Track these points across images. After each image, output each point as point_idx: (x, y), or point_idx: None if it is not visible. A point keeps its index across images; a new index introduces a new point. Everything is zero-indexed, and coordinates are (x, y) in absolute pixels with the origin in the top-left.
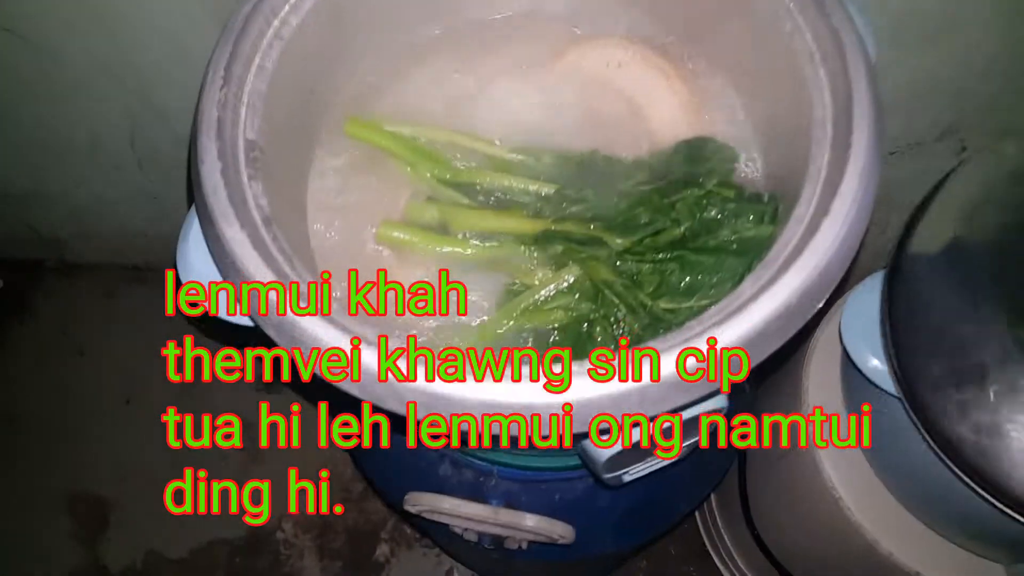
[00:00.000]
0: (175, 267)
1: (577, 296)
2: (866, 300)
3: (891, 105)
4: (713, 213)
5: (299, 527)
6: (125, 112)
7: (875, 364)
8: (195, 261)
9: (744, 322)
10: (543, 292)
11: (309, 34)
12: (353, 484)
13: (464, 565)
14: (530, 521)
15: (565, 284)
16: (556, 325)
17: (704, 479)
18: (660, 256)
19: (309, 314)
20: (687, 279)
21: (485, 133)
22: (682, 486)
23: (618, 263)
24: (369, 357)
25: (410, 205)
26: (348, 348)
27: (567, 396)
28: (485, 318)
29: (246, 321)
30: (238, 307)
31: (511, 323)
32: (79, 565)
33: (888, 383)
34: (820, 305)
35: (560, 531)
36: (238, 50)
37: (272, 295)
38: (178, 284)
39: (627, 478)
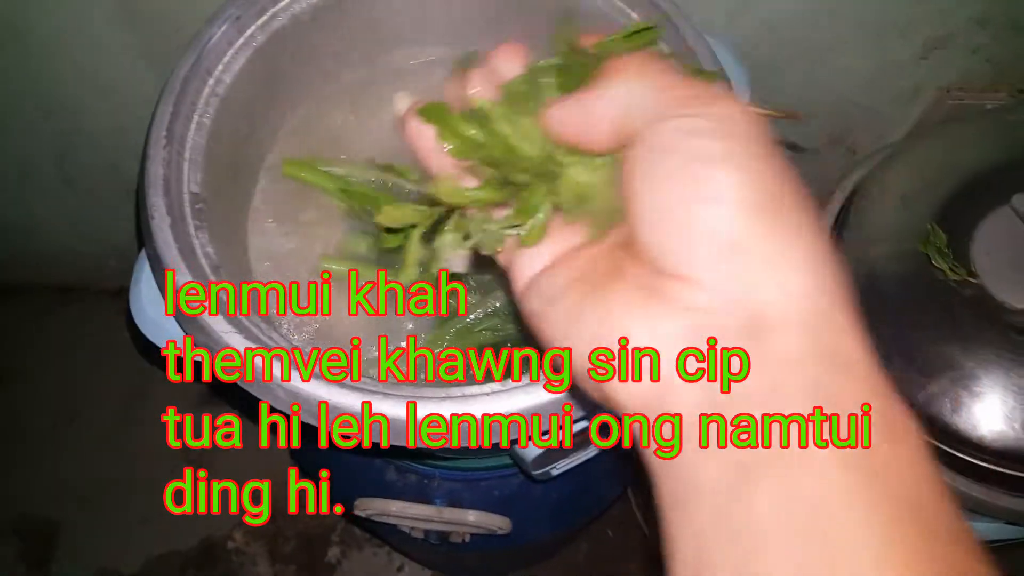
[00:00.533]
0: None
1: (503, 319)
2: None
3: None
4: None
5: (250, 535)
6: (53, 135)
7: None
8: (148, 306)
9: None
10: (473, 316)
11: (242, 88)
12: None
13: (414, 561)
14: (471, 517)
15: (492, 308)
16: (484, 345)
17: (629, 464)
18: None
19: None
20: None
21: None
22: (609, 472)
23: None
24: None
25: (346, 238)
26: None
27: (482, 408)
28: (420, 342)
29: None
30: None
31: (444, 345)
32: None
33: None
34: None
35: (498, 523)
36: (178, 110)
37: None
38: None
39: (555, 472)
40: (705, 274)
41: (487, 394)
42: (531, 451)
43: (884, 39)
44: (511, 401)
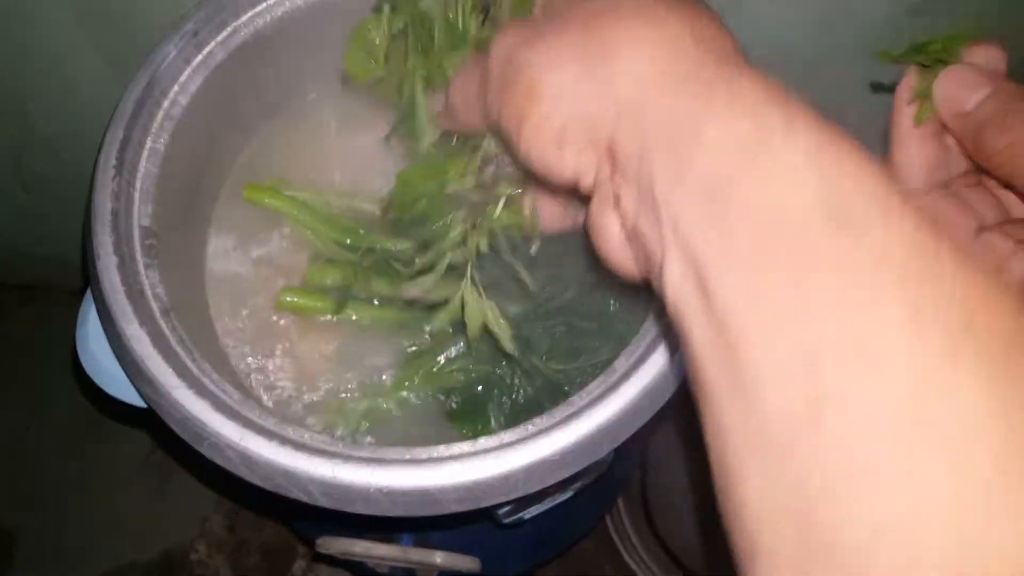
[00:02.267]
0: (75, 346)
1: (475, 359)
2: None
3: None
4: (595, 278)
5: (213, 547)
6: (7, 139)
7: None
8: (95, 347)
9: (617, 401)
10: (443, 355)
11: (200, 109)
12: None
13: None
14: (439, 559)
15: (463, 348)
16: (454, 385)
17: (602, 498)
18: (550, 321)
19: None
20: (574, 342)
21: (380, 194)
22: (581, 508)
23: (512, 329)
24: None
25: (311, 269)
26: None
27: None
28: (386, 382)
29: (144, 405)
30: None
31: (412, 385)
32: None
33: None
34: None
35: (467, 564)
36: (129, 136)
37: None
38: (76, 364)
39: (527, 517)
40: None
41: (454, 457)
42: (501, 508)
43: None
44: (480, 467)
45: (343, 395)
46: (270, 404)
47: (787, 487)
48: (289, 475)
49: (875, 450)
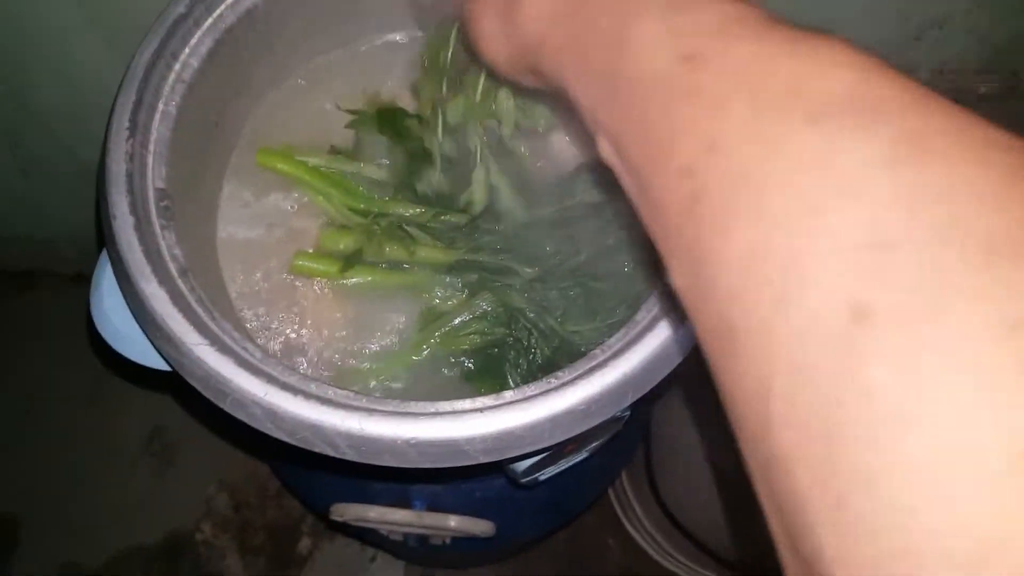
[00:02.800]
0: (90, 311)
1: (491, 322)
2: None
3: None
4: (610, 241)
5: (218, 527)
6: (4, 120)
7: None
8: (110, 311)
9: (641, 351)
10: (458, 318)
11: (210, 73)
12: (270, 481)
13: (388, 553)
14: (453, 522)
15: (479, 311)
16: (470, 347)
17: (613, 463)
18: (564, 284)
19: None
20: (589, 303)
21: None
22: (593, 471)
23: (528, 291)
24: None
25: (324, 234)
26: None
27: (484, 431)
28: (404, 343)
29: (165, 367)
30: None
31: (428, 349)
32: None
33: None
34: None
35: (481, 528)
36: (142, 98)
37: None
38: (91, 328)
39: (542, 478)
40: None
41: (479, 410)
42: (521, 463)
43: (878, 18)
44: (506, 418)
45: (358, 359)
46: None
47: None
48: (315, 428)
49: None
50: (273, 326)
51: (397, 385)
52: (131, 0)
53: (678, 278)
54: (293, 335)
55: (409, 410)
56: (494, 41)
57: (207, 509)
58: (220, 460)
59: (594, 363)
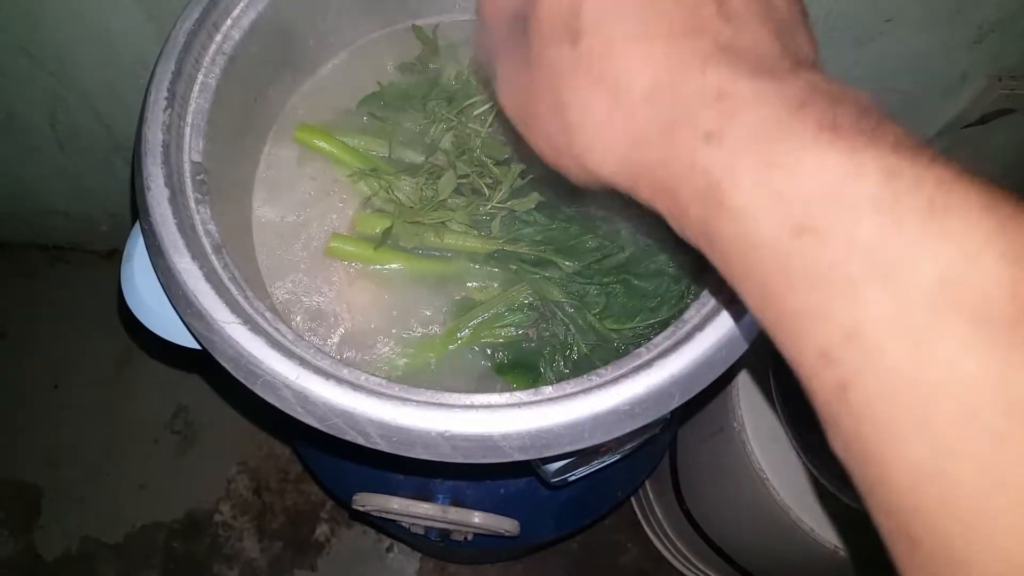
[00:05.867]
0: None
1: (527, 315)
2: None
3: None
4: (655, 240)
5: (237, 509)
6: (45, 93)
7: None
8: (140, 285)
9: (691, 351)
10: (493, 309)
11: (252, 46)
12: (291, 465)
13: (406, 545)
14: (477, 518)
15: (515, 303)
16: (504, 340)
17: (641, 467)
18: (606, 279)
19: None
20: (630, 301)
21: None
22: (620, 475)
23: (567, 285)
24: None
25: (361, 217)
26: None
27: (522, 427)
28: (436, 333)
29: (194, 345)
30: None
31: (461, 339)
32: (12, 555)
33: None
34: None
35: (506, 526)
36: (181, 68)
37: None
38: (122, 301)
39: (572, 479)
40: None
41: (517, 404)
42: (553, 463)
43: (935, 20)
44: (545, 414)
45: (390, 345)
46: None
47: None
48: (347, 416)
49: None
50: (305, 307)
51: (428, 374)
52: None
53: (836, 444)
54: (325, 317)
55: (444, 401)
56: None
57: (227, 490)
58: (242, 442)
59: (639, 361)
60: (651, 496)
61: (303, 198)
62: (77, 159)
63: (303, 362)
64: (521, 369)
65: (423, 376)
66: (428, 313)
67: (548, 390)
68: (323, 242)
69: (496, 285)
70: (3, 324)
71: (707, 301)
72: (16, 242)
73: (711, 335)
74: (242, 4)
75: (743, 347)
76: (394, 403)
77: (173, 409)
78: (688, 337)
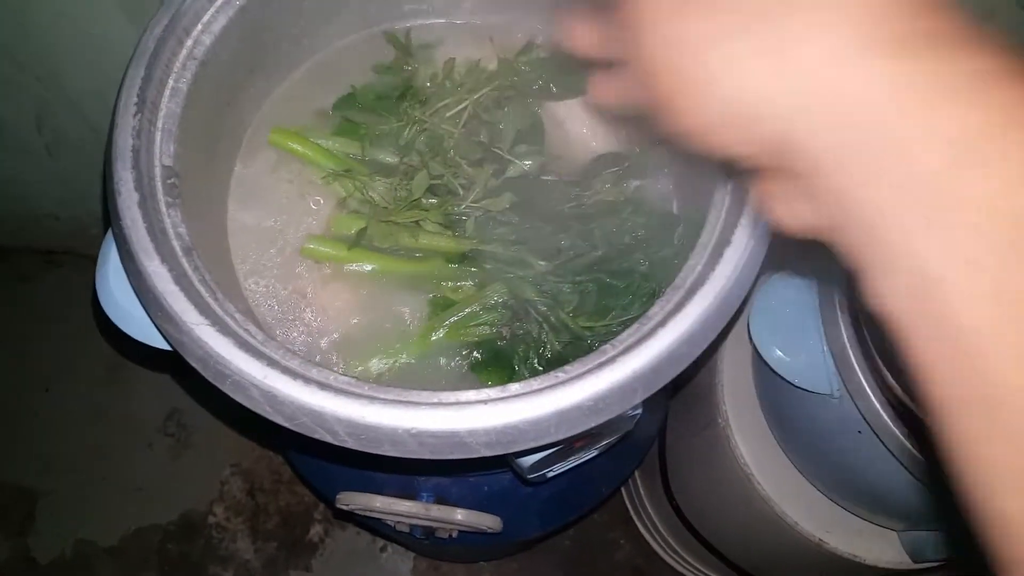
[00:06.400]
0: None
1: (501, 313)
2: (771, 297)
3: None
4: (626, 239)
5: (231, 511)
6: (31, 98)
7: (779, 355)
8: (115, 289)
9: (653, 347)
10: (468, 309)
11: (224, 50)
12: (284, 467)
13: (399, 545)
14: (460, 515)
15: (490, 302)
16: (479, 339)
17: (625, 463)
18: (579, 278)
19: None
20: (603, 299)
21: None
22: (603, 471)
23: (541, 284)
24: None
25: (336, 218)
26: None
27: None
28: (412, 332)
29: (167, 347)
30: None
31: (436, 338)
32: (6, 558)
33: (792, 374)
34: (720, 330)
35: (488, 523)
36: (151, 73)
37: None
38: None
39: (550, 475)
40: None
41: (483, 401)
42: (527, 459)
43: None
44: (510, 411)
45: (365, 345)
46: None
47: None
48: (315, 415)
49: None
50: (281, 308)
51: (403, 373)
52: None
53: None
54: (301, 318)
55: (411, 399)
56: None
57: (221, 492)
58: (235, 444)
59: (604, 358)
60: (642, 492)
61: (279, 201)
62: (66, 163)
63: (271, 362)
64: (496, 367)
65: (399, 375)
66: (404, 312)
67: (514, 387)
68: (299, 244)
69: (471, 284)
70: None
71: (671, 297)
72: (8, 245)
73: (673, 331)
74: (212, 9)
75: (705, 342)
76: (361, 402)
77: (166, 412)
78: (651, 333)
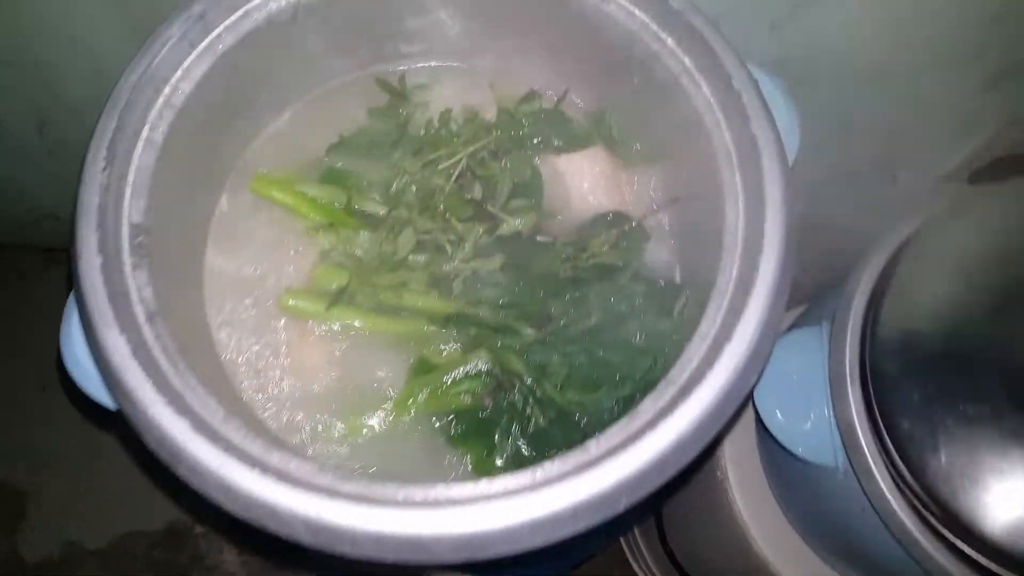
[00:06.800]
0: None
1: (485, 381)
2: (777, 356)
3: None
4: (623, 307)
5: (220, 520)
6: (30, 104)
7: (781, 420)
8: (78, 349)
9: (640, 452)
10: (450, 375)
11: (204, 98)
12: None
13: None
14: None
15: (474, 369)
16: (459, 407)
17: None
18: (569, 348)
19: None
20: (595, 373)
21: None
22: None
23: (528, 353)
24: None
25: (319, 271)
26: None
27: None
28: (389, 398)
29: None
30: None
31: (415, 404)
32: None
33: (794, 443)
34: (715, 434)
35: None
36: (124, 124)
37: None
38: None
39: None
40: None
41: (453, 502)
42: None
43: (947, 63)
44: (480, 516)
45: (339, 410)
46: (264, 413)
47: None
48: (270, 509)
49: None
50: (253, 363)
51: (374, 446)
52: None
53: None
54: (272, 375)
55: (374, 495)
56: None
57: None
58: None
59: (586, 458)
60: (639, 538)
61: (259, 249)
62: (67, 165)
63: (229, 447)
64: (475, 440)
65: (370, 447)
66: (382, 375)
67: (484, 485)
68: (277, 293)
69: (455, 348)
70: None
71: (664, 392)
72: (8, 243)
73: (663, 435)
74: (194, 55)
75: (696, 450)
76: (320, 497)
77: None
78: (639, 434)
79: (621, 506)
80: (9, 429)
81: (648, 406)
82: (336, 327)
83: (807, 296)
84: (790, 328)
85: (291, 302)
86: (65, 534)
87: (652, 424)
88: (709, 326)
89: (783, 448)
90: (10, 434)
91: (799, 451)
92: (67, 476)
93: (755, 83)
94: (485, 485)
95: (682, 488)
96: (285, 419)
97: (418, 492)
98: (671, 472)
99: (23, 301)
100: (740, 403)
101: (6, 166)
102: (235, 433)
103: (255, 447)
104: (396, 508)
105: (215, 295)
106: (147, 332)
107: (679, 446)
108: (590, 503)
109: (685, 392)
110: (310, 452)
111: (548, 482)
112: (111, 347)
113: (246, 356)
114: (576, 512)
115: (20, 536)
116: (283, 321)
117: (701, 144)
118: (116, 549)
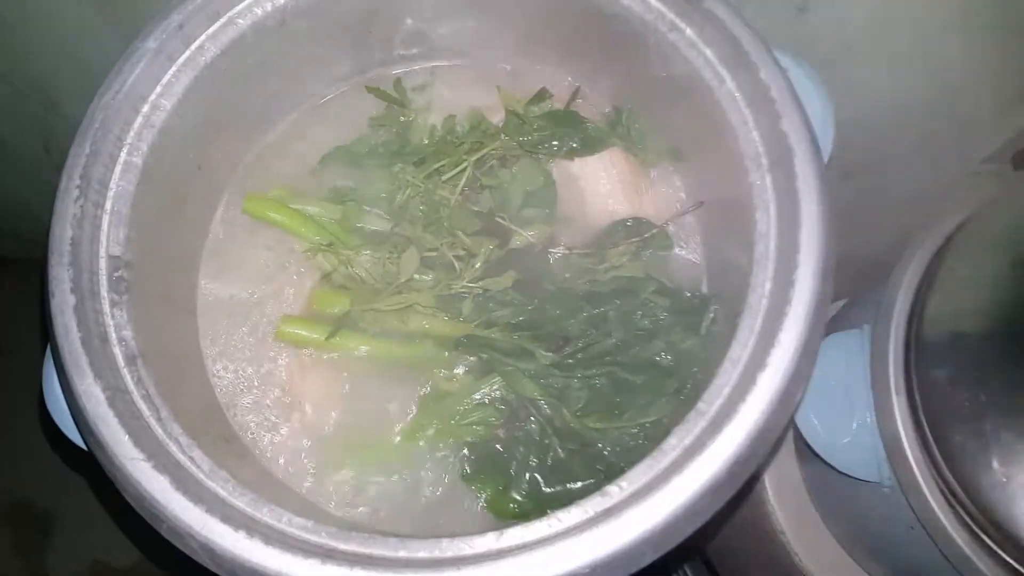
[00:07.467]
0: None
1: (499, 410)
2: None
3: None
4: (646, 323)
5: None
6: (33, 120)
7: (819, 431)
8: (58, 393)
9: (666, 500)
10: (462, 405)
11: (188, 114)
12: None
13: None
14: None
15: (486, 397)
16: (471, 439)
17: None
18: (589, 371)
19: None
20: (617, 397)
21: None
22: None
23: (545, 378)
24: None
25: (318, 293)
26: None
27: None
28: (397, 430)
29: None
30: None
31: (425, 437)
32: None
33: (834, 456)
34: (752, 471)
35: None
36: (97, 148)
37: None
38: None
39: None
40: None
41: (458, 560)
42: None
43: (985, 36)
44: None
45: (345, 445)
46: (265, 454)
47: None
48: (258, 573)
49: None
50: (251, 399)
51: (382, 489)
52: (146, 1)
53: None
54: (272, 411)
55: (372, 552)
56: None
57: None
58: None
59: (608, 505)
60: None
61: (256, 271)
62: None
63: (213, 504)
64: (489, 475)
65: (380, 484)
66: (388, 407)
67: (492, 539)
68: (275, 320)
69: (466, 373)
70: (8, 338)
71: (691, 427)
72: (15, 257)
73: (693, 479)
74: (173, 69)
75: (729, 492)
76: (312, 560)
77: None
78: (666, 477)
79: (646, 560)
80: (35, 449)
81: (675, 442)
82: (336, 356)
83: (847, 290)
84: (828, 329)
85: (288, 329)
86: (92, 553)
87: (680, 465)
88: (741, 350)
89: (823, 461)
90: (32, 454)
91: (839, 465)
92: (92, 495)
93: (784, 74)
94: (493, 539)
95: (723, 529)
96: (285, 460)
97: (421, 547)
98: (701, 520)
99: (32, 315)
100: (778, 436)
101: (14, 182)
102: (222, 487)
103: (243, 502)
104: (396, 570)
105: (209, 326)
106: (127, 377)
107: (711, 489)
108: (612, 558)
109: (716, 426)
110: (306, 489)
111: (566, 533)
112: (83, 395)
113: (243, 391)
114: (595, 569)
115: (47, 556)
116: (281, 350)
117: (727, 143)
118: (144, 566)
